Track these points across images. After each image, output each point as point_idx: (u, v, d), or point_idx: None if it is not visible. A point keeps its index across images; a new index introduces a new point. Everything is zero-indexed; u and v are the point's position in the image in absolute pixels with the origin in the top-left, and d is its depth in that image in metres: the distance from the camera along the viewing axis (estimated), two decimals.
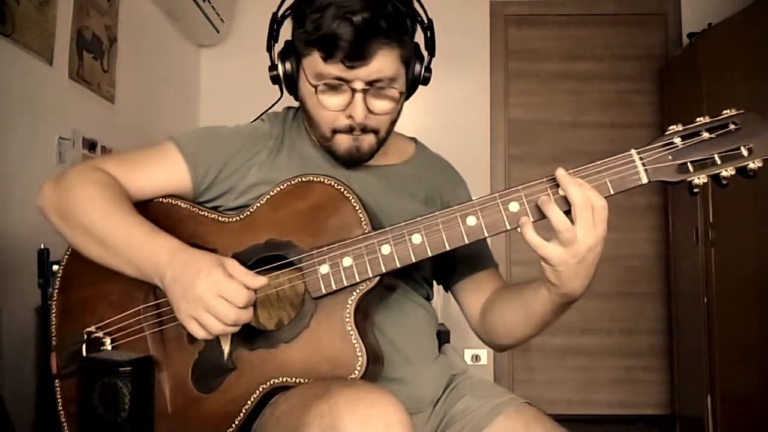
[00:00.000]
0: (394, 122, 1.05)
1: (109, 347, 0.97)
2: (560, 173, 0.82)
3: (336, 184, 0.94)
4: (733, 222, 2.43)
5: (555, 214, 0.81)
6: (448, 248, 0.88)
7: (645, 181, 0.83)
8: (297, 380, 0.88)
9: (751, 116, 0.82)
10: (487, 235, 0.87)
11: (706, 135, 0.81)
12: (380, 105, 0.99)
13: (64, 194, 0.97)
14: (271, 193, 0.97)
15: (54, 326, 1.02)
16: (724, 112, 0.83)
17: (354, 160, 1.04)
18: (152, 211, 1.00)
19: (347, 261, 0.89)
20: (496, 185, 3.21)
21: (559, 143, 3.28)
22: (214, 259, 0.86)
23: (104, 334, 0.98)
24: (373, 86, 0.96)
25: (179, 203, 1.02)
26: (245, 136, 1.07)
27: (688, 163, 0.81)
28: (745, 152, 0.80)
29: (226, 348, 0.92)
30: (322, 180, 0.94)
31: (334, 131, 1.01)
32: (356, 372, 0.86)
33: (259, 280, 0.85)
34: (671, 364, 3.08)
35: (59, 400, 1.00)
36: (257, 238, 0.95)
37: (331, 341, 0.88)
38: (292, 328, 0.91)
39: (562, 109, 3.31)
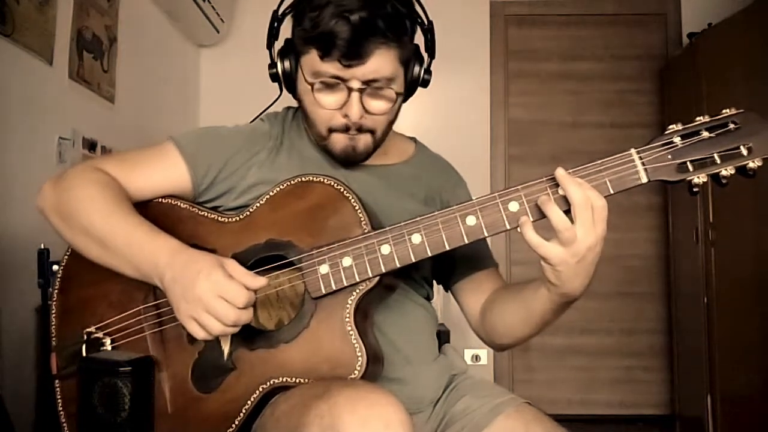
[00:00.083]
0: (391, 123, 1.05)
1: (109, 347, 0.97)
2: (560, 173, 0.82)
3: (336, 184, 0.94)
4: (733, 222, 2.43)
5: (555, 213, 0.81)
6: (447, 248, 0.88)
7: (644, 180, 0.83)
8: (297, 380, 0.88)
9: (751, 115, 0.82)
10: (486, 234, 0.87)
11: (705, 134, 0.81)
12: (377, 105, 0.99)
13: (64, 194, 0.97)
14: (271, 193, 0.97)
15: (54, 326, 1.02)
16: (724, 111, 0.83)
17: (350, 160, 1.04)
18: (152, 211, 1.00)
19: (347, 261, 0.89)
20: (496, 185, 3.21)
21: (559, 143, 3.28)
22: (214, 259, 0.86)
23: (104, 334, 0.98)
24: (369, 86, 0.96)
25: (179, 203, 1.02)
26: (245, 136, 1.07)
27: (688, 163, 0.81)
28: (744, 151, 0.80)
29: (225, 348, 0.92)
30: (322, 180, 0.94)
31: (330, 130, 1.01)
32: (356, 372, 0.86)
33: (258, 281, 0.85)
34: (671, 364, 3.08)
35: (59, 400, 1.00)
36: (257, 238, 0.95)
37: (331, 341, 0.88)
38: (291, 328, 0.91)
39: (562, 109, 3.31)
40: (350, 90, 0.96)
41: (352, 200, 0.92)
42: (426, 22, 1.05)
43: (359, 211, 0.92)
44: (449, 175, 1.19)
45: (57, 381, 1.00)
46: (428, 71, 1.06)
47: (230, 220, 0.99)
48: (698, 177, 0.81)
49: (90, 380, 0.89)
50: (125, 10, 2.43)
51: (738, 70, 2.39)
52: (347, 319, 0.88)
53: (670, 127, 0.84)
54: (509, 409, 0.96)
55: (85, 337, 0.98)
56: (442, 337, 1.18)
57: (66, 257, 1.04)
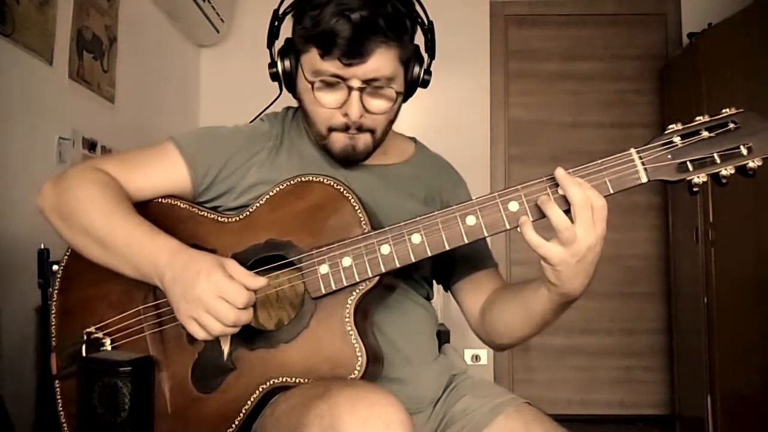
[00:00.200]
0: (391, 122, 1.05)
1: (109, 347, 0.97)
2: (559, 173, 0.82)
3: (335, 184, 0.94)
4: (733, 222, 2.43)
5: (555, 213, 0.81)
6: (447, 248, 0.88)
7: (644, 180, 0.83)
8: (297, 380, 0.88)
9: (751, 115, 0.82)
10: (486, 234, 0.87)
11: (705, 134, 0.81)
12: (377, 104, 0.99)
13: (64, 194, 0.97)
14: (271, 193, 0.97)
15: (54, 326, 1.02)
16: (724, 111, 0.83)
17: (349, 159, 1.04)
18: (152, 211, 1.00)
19: (347, 261, 0.89)
20: (496, 185, 3.21)
21: (559, 143, 3.28)
22: (214, 259, 0.86)
23: (104, 334, 0.98)
24: (369, 85, 0.96)
25: (179, 203, 1.02)
26: (245, 136, 1.07)
27: (688, 162, 0.81)
28: (744, 151, 0.80)
29: (225, 348, 0.92)
30: (322, 180, 0.94)
31: (330, 129, 1.01)
32: (356, 372, 0.86)
33: (259, 281, 0.85)
34: (671, 364, 3.08)
35: (59, 400, 1.00)
36: (257, 238, 0.95)
37: (330, 341, 0.88)
38: (291, 328, 0.91)
39: (562, 109, 3.31)
40: (350, 89, 0.96)
41: (352, 200, 0.92)
42: (426, 22, 1.05)
43: (359, 211, 0.92)
44: (449, 175, 1.19)
45: (57, 381, 1.00)
46: (428, 71, 1.06)
47: (230, 220, 0.99)
48: (698, 177, 0.81)
49: (90, 380, 0.89)
50: (125, 10, 2.43)
51: (738, 70, 2.39)
52: (347, 319, 0.88)
53: (670, 126, 0.84)
54: (509, 409, 0.96)
55: (85, 337, 0.98)
56: (442, 337, 1.18)
57: (66, 257, 1.04)
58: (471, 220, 0.87)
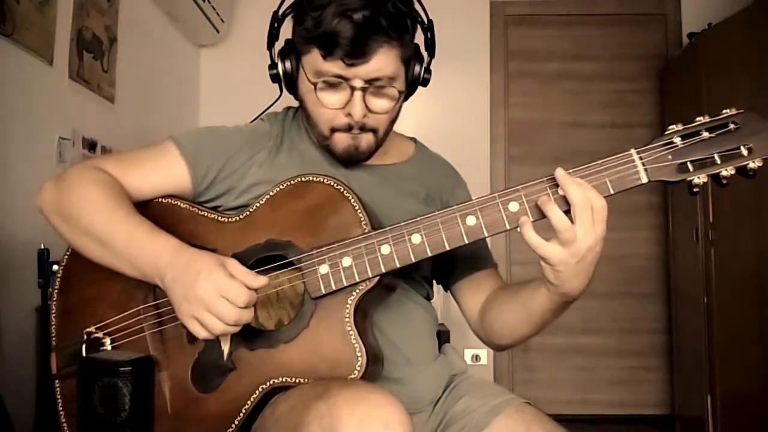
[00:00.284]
0: (393, 122, 1.05)
1: (109, 347, 0.97)
2: (559, 173, 0.82)
3: (336, 184, 0.94)
4: (733, 222, 2.43)
5: (555, 213, 0.81)
6: (447, 248, 0.88)
7: (645, 180, 0.83)
8: (297, 380, 0.88)
9: (751, 116, 0.82)
10: (486, 234, 0.87)
11: (705, 134, 0.81)
12: (379, 104, 0.99)
13: (64, 194, 0.97)
14: (271, 193, 0.97)
15: (54, 326, 1.02)
16: (724, 111, 0.83)
17: (352, 159, 1.04)
18: (152, 211, 1.00)
19: (347, 261, 0.89)
20: (496, 185, 3.21)
21: (559, 143, 3.28)
22: (214, 259, 0.86)
23: (104, 334, 0.98)
24: (372, 85, 0.96)
25: (179, 203, 1.02)
26: (245, 136, 1.07)
27: (688, 163, 0.81)
28: (744, 152, 0.80)
29: (225, 348, 0.92)
30: (322, 180, 0.94)
31: (333, 129, 1.01)
32: (356, 372, 0.86)
33: (260, 280, 0.85)
34: (671, 364, 3.08)
35: (59, 400, 1.00)
36: (257, 238, 0.95)
37: (330, 341, 0.88)
38: (291, 328, 0.91)
39: (563, 109, 3.31)
40: (353, 89, 0.96)
41: (352, 200, 0.92)
42: (426, 21, 1.05)
43: (359, 211, 0.92)
44: (449, 175, 1.19)
45: (57, 381, 1.00)
46: (428, 70, 1.06)
47: (230, 220, 0.99)
48: (698, 177, 0.81)
49: (90, 380, 0.89)
50: (125, 10, 2.43)
51: (738, 70, 2.39)
52: (347, 319, 0.88)
53: (671, 127, 0.84)
54: (509, 409, 0.96)
55: (85, 337, 0.98)
56: (442, 337, 1.18)
57: (66, 257, 1.04)
58: (471, 221, 0.87)
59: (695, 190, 0.82)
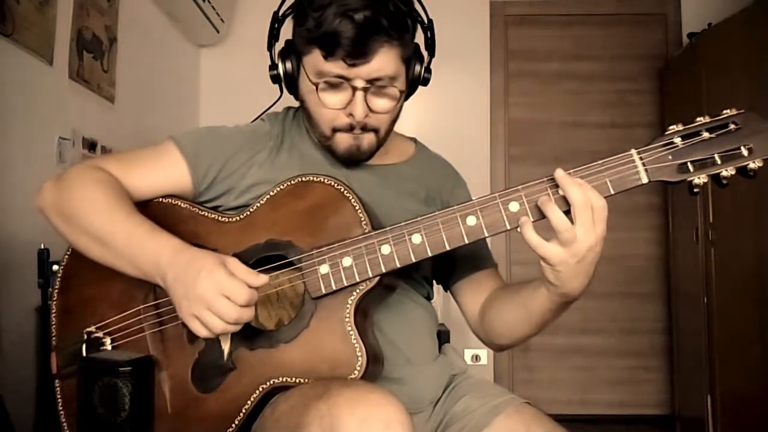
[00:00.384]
0: (394, 121, 1.05)
1: (109, 347, 0.97)
2: (559, 173, 0.82)
3: (336, 184, 0.94)
4: (733, 222, 2.43)
5: (555, 214, 0.81)
6: (448, 248, 0.88)
7: (645, 180, 0.83)
8: (297, 380, 0.88)
9: (751, 116, 0.82)
10: (486, 235, 0.87)
11: (706, 135, 0.81)
12: (380, 103, 0.99)
13: (65, 194, 0.97)
14: (271, 193, 0.97)
15: (54, 326, 1.02)
16: (724, 111, 0.83)
17: (354, 159, 1.04)
18: (152, 210, 1.00)
19: (347, 261, 0.89)
20: (496, 185, 3.21)
21: (559, 143, 3.28)
22: (215, 258, 0.86)
23: (104, 334, 0.98)
24: (373, 84, 0.96)
25: (179, 203, 1.02)
26: (245, 136, 1.07)
27: (688, 163, 0.81)
28: (745, 152, 0.80)
29: (226, 348, 0.92)
30: (322, 180, 0.94)
31: (335, 130, 1.01)
32: (356, 372, 0.86)
33: (260, 279, 0.85)
34: (671, 364, 3.08)
35: (59, 400, 1.00)
36: (257, 238, 0.95)
37: (330, 341, 0.88)
38: (291, 328, 0.91)
39: (563, 109, 3.31)
40: (354, 89, 0.96)
41: (353, 200, 0.92)
42: (426, 21, 1.05)
43: (359, 211, 0.92)
44: (449, 175, 1.19)
45: (57, 381, 1.00)
46: (428, 69, 1.06)
47: (230, 219, 0.99)
48: (699, 177, 0.81)
49: (90, 380, 0.89)
50: (125, 10, 2.43)
51: (738, 70, 2.39)
52: (347, 319, 0.88)
53: (671, 127, 0.84)
54: (509, 409, 0.96)
55: (85, 336, 0.98)
56: (442, 337, 1.18)
57: (66, 257, 1.04)
58: (471, 221, 0.87)
59: (695, 190, 0.82)
